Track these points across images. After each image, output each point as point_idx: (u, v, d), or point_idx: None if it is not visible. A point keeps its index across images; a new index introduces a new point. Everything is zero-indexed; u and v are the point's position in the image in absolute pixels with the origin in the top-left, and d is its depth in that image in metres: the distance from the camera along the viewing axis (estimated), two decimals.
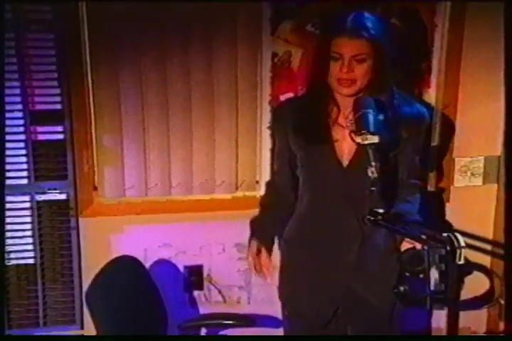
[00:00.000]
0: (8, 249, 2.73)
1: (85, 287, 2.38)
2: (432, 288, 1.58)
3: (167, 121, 2.75)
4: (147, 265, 2.63)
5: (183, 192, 2.86)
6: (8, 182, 2.63)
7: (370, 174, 1.88)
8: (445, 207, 3.04)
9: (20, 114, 2.65)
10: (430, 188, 2.97)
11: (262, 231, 2.37)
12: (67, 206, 2.78)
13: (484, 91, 2.91)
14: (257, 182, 2.87)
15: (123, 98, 2.70)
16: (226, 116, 2.79)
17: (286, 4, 2.71)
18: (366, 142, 1.90)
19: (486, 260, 2.98)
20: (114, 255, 2.36)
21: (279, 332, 2.58)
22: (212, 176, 2.85)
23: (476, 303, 2.97)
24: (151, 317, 2.30)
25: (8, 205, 2.65)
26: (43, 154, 2.71)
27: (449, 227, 2.87)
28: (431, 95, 2.92)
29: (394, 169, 2.25)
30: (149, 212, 2.83)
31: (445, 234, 1.56)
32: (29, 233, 2.76)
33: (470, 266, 1.84)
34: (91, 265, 2.55)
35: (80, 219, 2.79)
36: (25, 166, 2.70)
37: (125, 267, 2.30)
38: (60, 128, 2.69)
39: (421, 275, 1.64)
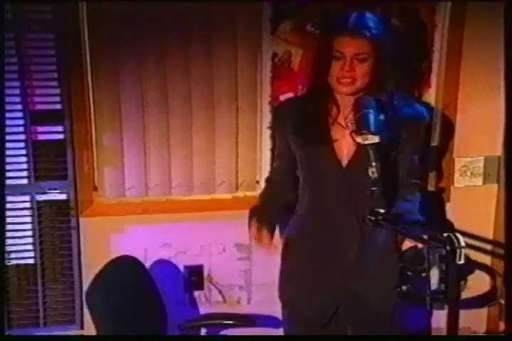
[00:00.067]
0: (8, 248, 2.73)
1: (85, 287, 2.38)
2: (432, 287, 1.58)
3: (167, 121, 2.75)
4: (147, 265, 2.63)
5: (183, 192, 2.86)
6: (8, 182, 2.63)
7: (370, 174, 1.89)
8: (445, 207, 3.04)
9: (20, 114, 2.65)
10: (430, 188, 2.97)
11: (261, 216, 2.28)
12: (67, 206, 2.77)
13: (484, 91, 2.91)
14: (258, 182, 2.87)
15: (123, 98, 2.70)
16: (226, 116, 2.79)
17: (286, 4, 2.71)
18: (367, 142, 1.90)
19: (486, 260, 2.97)
20: (114, 255, 2.36)
21: (279, 332, 2.59)
22: (213, 176, 2.85)
23: (478, 302, 2.97)
24: (151, 317, 2.30)
25: (8, 205, 2.65)
26: (43, 154, 2.71)
27: (449, 227, 2.87)
28: (431, 95, 2.92)
29: (394, 169, 2.26)
30: (149, 212, 2.83)
31: (445, 234, 1.57)
32: (29, 233, 2.76)
33: (471, 265, 1.83)
34: (91, 265, 2.55)
35: (80, 219, 2.79)
36: (25, 166, 2.70)
37: (125, 267, 2.30)
38: (60, 128, 2.69)
39: (423, 274, 1.64)
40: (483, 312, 3.19)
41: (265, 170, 2.83)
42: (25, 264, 2.80)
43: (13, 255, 2.77)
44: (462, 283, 1.57)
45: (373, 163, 1.89)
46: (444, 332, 1.61)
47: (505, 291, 2.54)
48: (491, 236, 3.04)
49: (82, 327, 2.88)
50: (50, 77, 2.63)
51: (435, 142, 2.93)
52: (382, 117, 2.01)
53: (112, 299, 2.16)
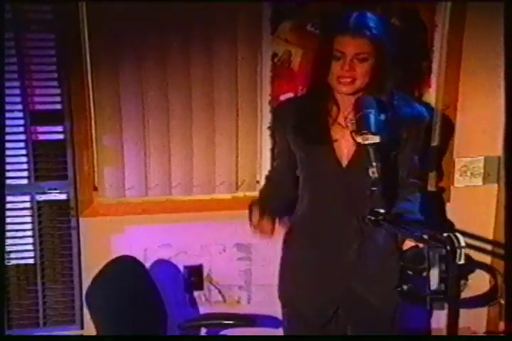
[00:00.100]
0: (8, 248, 2.73)
1: (85, 287, 2.38)
2: (432, 287, 1.58)
3: (167, 121, 2.75)
4: (147, 265, 2.63)
5: (183, 192, 2.86)
6: (8, 182, 2.63)
7: (371, 174, 1.89)
8: (445, 207, 3.04)
9: (20, 114, 2.65)
10: (430, 188, 2.97)
11: (262, 205, 2.24)
12: (67, 206, 2.77)
13: (484, 91, 2.91)
14: (258, 182, 2.87)
15: (123, 98, 2.70)
16: (226, 116, 2.79)
17: (286, 4, 2.71)
18: (367, 142, 1.90)
19: (486, 260, 2.97)
20: (114, 255, 2.36)
21: (279, 332, 2.59)
22: (213, 176, 2.85)
23: (478, 302, 2.97)
24: (151, 317, 2.30)
25: (8, 205, 2.65)
26: (43, 154, 2.71)
27: (449, 227, 2.87)
28: (431, 95, 2.92)
29: (394, 169, 2.26)
30: (149, 212, 2.83)
31: (445, 234, 1.57)
32: (29, 233, 2.76)
33: (472, 265, 1.84)
34: (91, 265, 2.55)
35: (80, 219, 2.79)
36: (25, 166, 2.70)
37: (125, 267, 2.30)
38: (60, 128, 2.69)
39: (423, 274, 1.64)
40: (483, 312, 3.19)
41: (265, 170, 2.83)
42: (25, 264, 2.80)
43: (13, 255, 2.77)
44: (463, 282, 1.57)
45: (373, 163, 1.89)
46: (444, 332, 1.61)
47: (505, 291, 2.53)
48: (491, 236, 3.04)
49: (82, 327, 2.88)
50: (50, 77, 2.63)
51: (435, 142, 2.93)
52: (382, 117, 2.01)
53: (111, 299, 2.16)
